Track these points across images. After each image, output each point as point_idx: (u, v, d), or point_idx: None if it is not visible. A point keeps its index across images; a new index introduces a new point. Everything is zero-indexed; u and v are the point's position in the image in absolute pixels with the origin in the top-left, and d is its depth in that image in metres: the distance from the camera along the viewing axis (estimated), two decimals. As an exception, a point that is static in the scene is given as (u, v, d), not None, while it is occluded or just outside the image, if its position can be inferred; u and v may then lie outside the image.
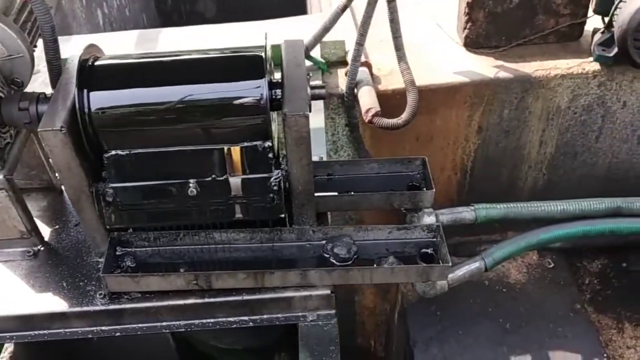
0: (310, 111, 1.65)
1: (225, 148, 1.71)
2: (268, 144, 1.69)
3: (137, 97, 1.69)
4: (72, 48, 2.93)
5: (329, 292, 1.85)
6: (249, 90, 1.65)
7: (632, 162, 3.35)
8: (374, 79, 2.97)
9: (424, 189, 2.04)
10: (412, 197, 2.00)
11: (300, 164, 1.72)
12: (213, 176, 1.76)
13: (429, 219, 2.14)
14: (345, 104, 2.90)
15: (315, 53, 2.94)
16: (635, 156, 3.31)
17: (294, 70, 1.73)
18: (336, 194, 1.99)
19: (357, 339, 4.33)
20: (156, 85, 1.71)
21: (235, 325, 1.88)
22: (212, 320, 1.88)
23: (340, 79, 2.96)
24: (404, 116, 2.63)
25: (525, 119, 3.07)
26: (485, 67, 2.99)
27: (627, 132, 3.19)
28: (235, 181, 1.76)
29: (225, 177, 1.76)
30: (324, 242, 1.92)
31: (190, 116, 1.68)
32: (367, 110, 2.65)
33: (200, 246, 1.90)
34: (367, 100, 2.71)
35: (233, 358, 2.56)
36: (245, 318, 1.88)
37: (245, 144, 1.70)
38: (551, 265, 3.55)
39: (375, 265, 1.86)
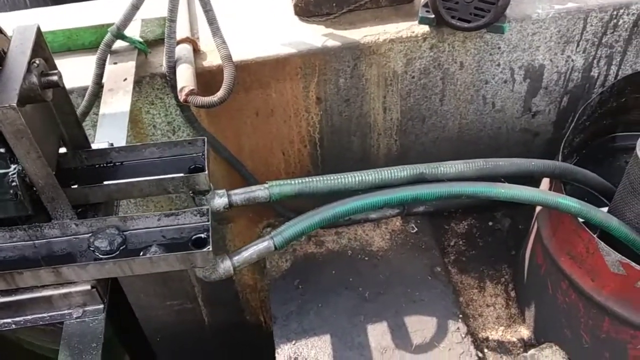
0: (27, 103, 1.56)
1: (-51, 145, 1.62)
2: (-10, 139, 1.59)
3: None
4: None
5: (88, 287, 1.77)
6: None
7: (482, 122, 3.35)
8: (201, 56, 2.87)
9: (204, 169, 1.98)
10: (185, 180, 1.93)
11: (30, 158, 1.63)
12: (-56, 178, 1.66)
13: (220, 200, 2.07)
14: (169, 83, 2.79)
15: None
16: (484, 116, 3.30)
17: (16, 58, 1.62)
18: (104, 183, 1.90)
19: (246, 316, 4.31)
20: None
21: (-3, 329, 1.81)
22: (-29, 325, 1.80)
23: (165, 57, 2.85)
24: (220, 93, 2.54)
25: (363, 86, 3.02)
26: (316, 36, 2.92)
27: (470, 92, 3.17)
28: (-30, 180, 1.67)
29: (-42, 175, 1.66)
30: (90, 234, 1.84)
31: None
32: (181, 89, 2.55)
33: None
34: (182, 78, 2.61)
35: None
36: (8, 320, 1.80)
37: (-30, 140, 1.61)
38: (414, 230, 3.55)
39: (143, 252, 1.79)
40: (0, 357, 2.40)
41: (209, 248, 1.78)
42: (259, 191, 2.12)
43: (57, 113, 1.92)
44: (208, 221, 1.88)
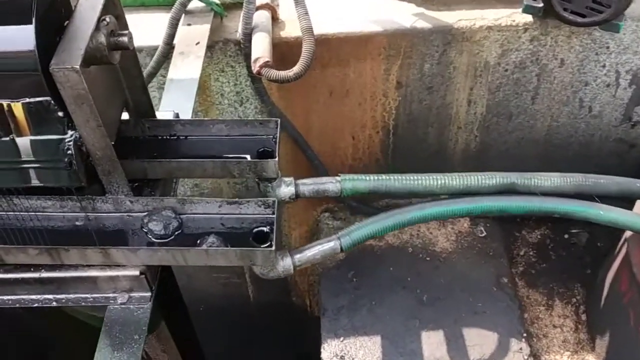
0: (90, 65, 1.38)
1: (5, 104, 1.46)
2: (48, 99, 1.43)
3: None
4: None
5: (137, 273, 1.62)
6: (12, 38, 1.39)
7: (574, 127, 3.04)
8: (279, 25, 2.66)
9: (274, 154, 1.78)
10: (252, 166, 1.74)
11: (89, 127, 1.47)
12: (-4, 135, 1.51)
13: (286, 190, 1.88)
14: (243, 52, 2.60)
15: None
16: (578, 120, 2.99)
17: (84, 13, 1.45)
18: (166, 159, 1.73)
19: (292, 297, 4.17)
20: None
21: (37, 305, 1.68)
22: (12, 297, 1.68)
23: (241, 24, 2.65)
24: (296, 68, 2.34)
25: (450, 75, 2.76)
26: (405, 14, 2.66)
27: (567, 93, 2.87)
28: (23, 142, 1.52)
29: (11, 137, 1.51)
30: (145, 213, 1.68)
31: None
32: (255, 60, 2.36)
33: (4, 213, 1.68)
34: (258, 48, 2.41)
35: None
36: (50, 297, 1.67)
37: (28, 99, 1.45)
38: (483, 234, 3.30)
39: (200, 241, 1.63)
40: (41, 321, 2.30)
41: (271, 246, 1.59)
42: (330, 184, 1.91)
43: (124, 76, 1.75)
44: (273, 214, 1.69)
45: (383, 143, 3.07)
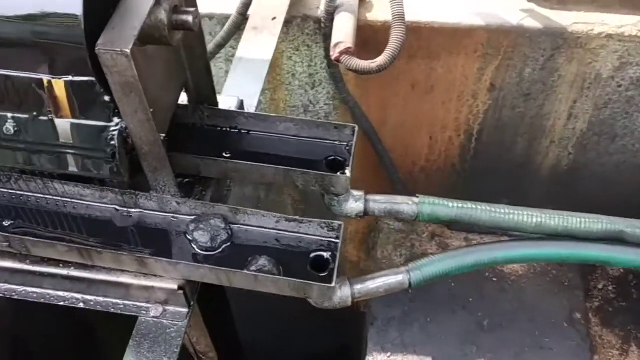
0: (141, 44, 1.15)
1: (45, 80, 1.26)
2: (93, 80, 1.21)
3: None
4: None
5: (175, 287, 1.41)
6: (59, 3, 1.16)
7: (688, 158, 2.64)
8: (366, 6, 2.37)
9: (347, 167, 1.52)
10: (319, 179, 1.49)
11: (137, 119, 1.24)
12: (34, 114, 1.31)
13: (354, 205, 1.63)
14: (322, 31, 2.33)
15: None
16: (694, 151, 2.60)
17: (145, -17, 1.21)
18: (221, 159, 1.50)
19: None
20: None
21: (64, 303, 1.50)
22: (37, 290, 1.50)
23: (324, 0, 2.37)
24: (380, 59, 2.05)
25: (553, 83, 2.41)
26: (512, 9, 2.32)
27: (687, 119, 2.47)
28: (63, 125, 1.32)
29: (49, 117, 1.31)
30: (192, 217, 1.47)
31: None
32: (336, 45, 2.09)
33: (40, 195, 1.50)
34: (340, 31, 2.13)
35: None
36: (78, 296, 1.48)
37: (70, 78, 1.24)
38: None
39: (249, 260, 1.40)
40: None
41: (331, 279, 1.35)
42: (405, 205, 1.64)
43: (186, 55, 1.52)
44: (337, 239, 1.45)
45: (463, 148, 2.76)
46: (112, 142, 1.31)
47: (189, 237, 1.44)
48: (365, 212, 1.67)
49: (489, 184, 2.90)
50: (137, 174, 1.42)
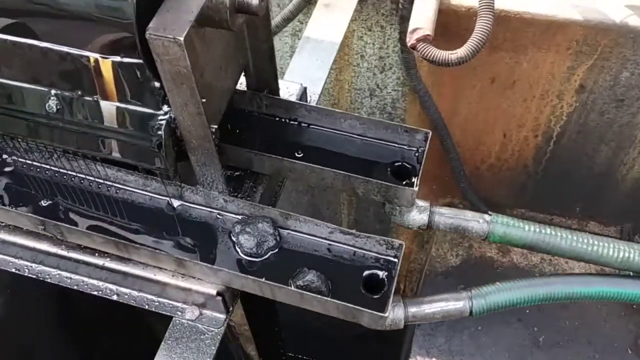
0: (195, 26, 1.00)
1: (92, 58, 1.14)
2: (142, 63, 1.08)
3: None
4: None
5: (213, 292, 1.29)
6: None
7: None
8: (450, -13, 2.15)
9: (415, 177, 1.36)
10: (382, 189, 1.33)
11: (187, 112, 1.11)
12: (79, 93, 1.20)
13: (417, 217, 1.47)
14: (399, 13, 2.14)
15: None
16: None
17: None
18: (276, 156, 1.36)
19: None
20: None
21: (97, 293, 1.41)
22: (72, 276, 1.42)
23: (405, -23, 2.17)
24: (461, 51, 1.85)
25: (652, 91, 2.15)
26: (615, 4, 2.06)
27: None
28: (108, 107, 1.20)
29: (95, 98, 1.19)
30: (239, 217, 1.34)
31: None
32: (413, 31, 1.90)
33: (82, 176, 1.40)
34: (419, 16, 1.94)
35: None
36: (113, 288, 1.39)
37: (118, 58, 1.11)
38: (630, 281, 2.72)
39: (297, 272, 1.27)
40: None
41: (384, 306, 1.21)
42: (475, 223, 1.47)
43: (249, 36, 1.37)
44: (397, 259, 1.30)
45: (539, 150, 2.53)
46: (159, 132, 1.19)
47: (233, 238, 1.32)
48: (429, 226, 1.50)
49: (562, 189, 2.68)
50: (184, 166, 1.30)
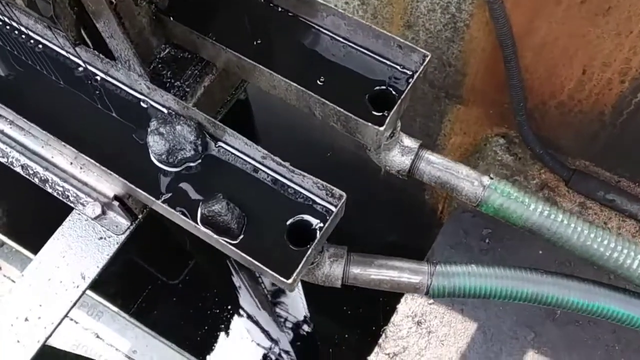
0: None
1: None
2: None
3: None
4: None
5: (111, 195, 1.06)
6: None
7: None
8: None
9: (392, 110, 1.02)
10: (341, 118, 1.01)
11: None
12: None
13: (398, 159, 1.13)
14: None
15: None
16: None
17: None
18: (220, 45, 1.04)
19: (425, 195, 3.54)
20: None
21: (3, 160, 1.20)
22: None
23: None
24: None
25: None
26: None
27: None
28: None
29: None
30: (165, 112, 1.07)
31: None
32: None
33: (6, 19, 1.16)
34: None
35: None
36: (19, 158, 1.17)
37: None
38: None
39: (211, 197, 1.00)
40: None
41: (298, 266, 0.94)
42: (468, 183, 1.14)
43: None
44: (335, 208, 1.00)
45: (623, 98, 2.06)
46: (53, -17, 0.91)
47: (143, 141, 1.06)
48: (410, 173, 1.18)
49: (639, 150, 2.22)
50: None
